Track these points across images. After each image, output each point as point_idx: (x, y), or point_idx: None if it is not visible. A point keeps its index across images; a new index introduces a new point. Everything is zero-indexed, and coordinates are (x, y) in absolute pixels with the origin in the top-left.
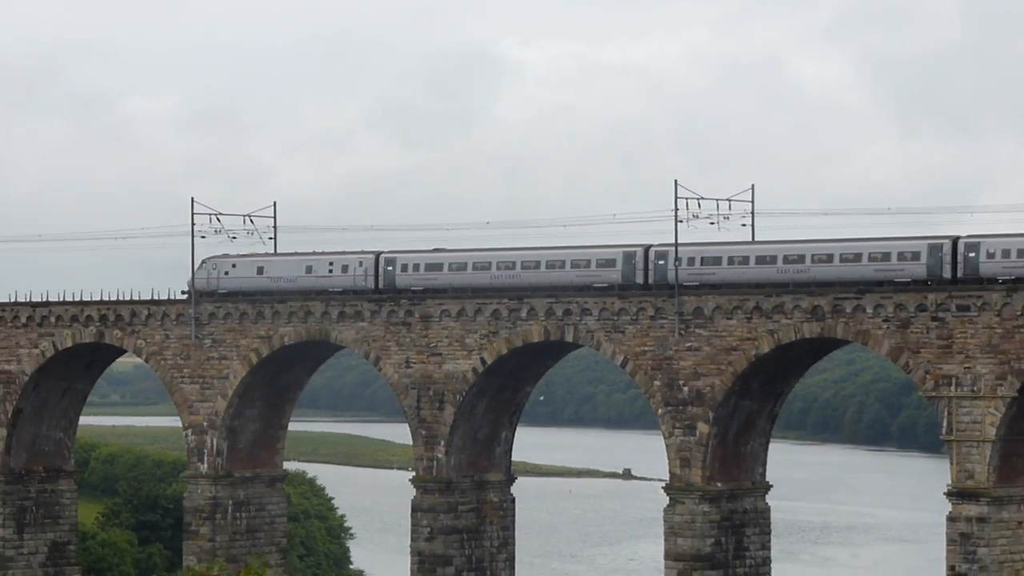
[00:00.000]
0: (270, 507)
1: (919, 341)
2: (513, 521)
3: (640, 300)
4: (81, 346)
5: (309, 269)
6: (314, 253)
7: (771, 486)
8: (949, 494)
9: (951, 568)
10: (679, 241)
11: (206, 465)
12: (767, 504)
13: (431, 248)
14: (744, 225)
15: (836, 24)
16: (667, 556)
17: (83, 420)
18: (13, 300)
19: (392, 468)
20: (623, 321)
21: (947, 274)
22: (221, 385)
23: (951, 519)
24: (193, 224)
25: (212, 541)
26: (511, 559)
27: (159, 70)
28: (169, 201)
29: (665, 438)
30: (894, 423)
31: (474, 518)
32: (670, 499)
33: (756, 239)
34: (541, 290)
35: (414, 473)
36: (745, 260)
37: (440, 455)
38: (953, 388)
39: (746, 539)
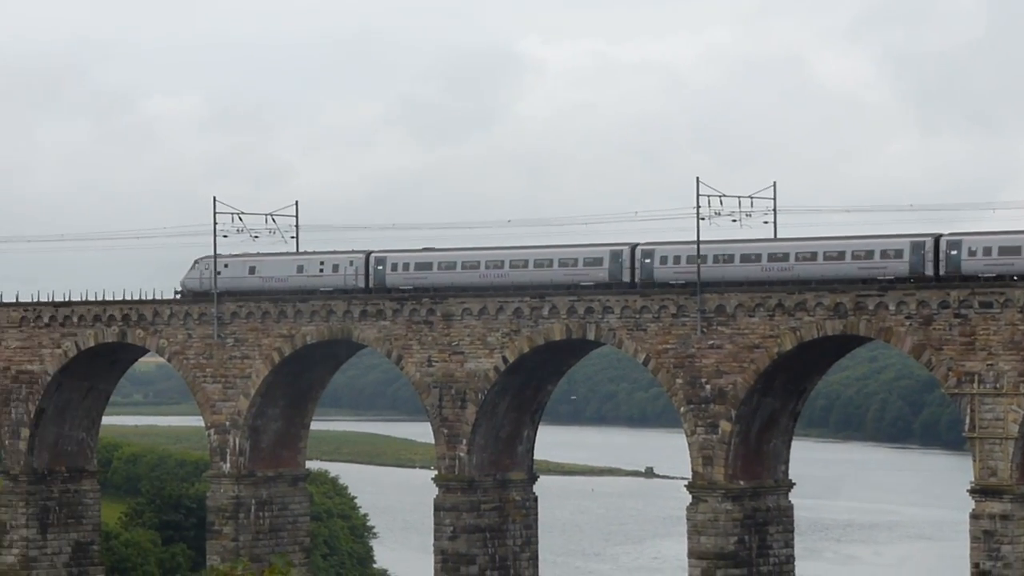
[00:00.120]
0: (293, 506)
1: (942, 338)
2: (536, 520)
3: (662, 298)
4: (104, 346)
5: (300, 269)
6: (304, 253)
7: (794, 484)
8: (972, 491)
9: (975, 566)
10: (679, 240)
11: (229, 464)
12: (790, 502)
13: (420, 248)
14: (766, 222)
15: (857, 21)
16: (690, 554)
17: (106, 420)
18: (35, 300)
19: (414, 467)
20: (645, 319)
21: (929, 272)
22: (244, 384)
23: (974, 516)
24: (215, 223)
25: (235, 540)
26: (534, 558)
27: (180, 70)
28: (191, 200)
29: (687, 436)
30: (917, 420)
31: (497, 517)
32: (693, 497)
33: (741, 239)
34: (529, 289)
35: (436, 472)
36: (730, 259)
37: (462, 454)
38: (976, 385)
39: (769, 537)
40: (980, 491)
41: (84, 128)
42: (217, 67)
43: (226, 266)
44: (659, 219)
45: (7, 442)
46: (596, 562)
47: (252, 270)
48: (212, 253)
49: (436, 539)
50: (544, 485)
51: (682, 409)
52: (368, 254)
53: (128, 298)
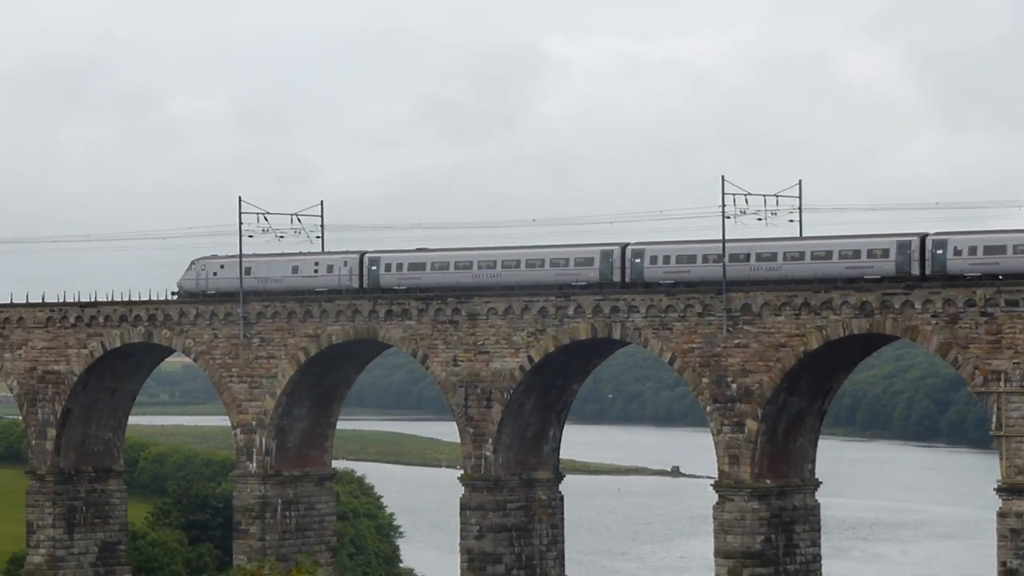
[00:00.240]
0: (319, 506)
1: (968, 336)
2: (562, 519)
3: (688, 297)
4: (130, 346)
5: (295, 269)
6: (300, 254)
7: (820, 483)
8: (999, 490)
9: (1002, 564)
10: (668, 240)
11: (255, 464)
12: (816, 501)
13: (415, 248)
14: (792, 221)
15: (882, 18)
16: (717, 553)
17: (132, 420)
18: (62, 300)
19: (440, 466)
20: (671, 318)
21: (915, 271)
22: (270, 384)
23: (1001, 515)
24: (241, 223)
25: (262, 540)
26: (561, 557)
27: (205, 69)
28: (216, 200)
29: (714, 435)
30: (943, 419)
31: (523, 516)
32: (719, 496)
33: (730, 239)
34: (521, 288)
35: (462, 471)
36: (719, 258)
37: (488, 453)
38: (1002, 383)
39: (796, 536)
40: (1007, 489)
41: (109, 128)
42: (242, 67)
43: (222, 267)
44: (684, 218)
45: (34, 442)
46: (622, 561)
47: (248, 271)
48: (211, 254)
49: (462, 538)
50: (570, 484)
51: (708, 408)
52: (362, 254)
53: (154, 298)
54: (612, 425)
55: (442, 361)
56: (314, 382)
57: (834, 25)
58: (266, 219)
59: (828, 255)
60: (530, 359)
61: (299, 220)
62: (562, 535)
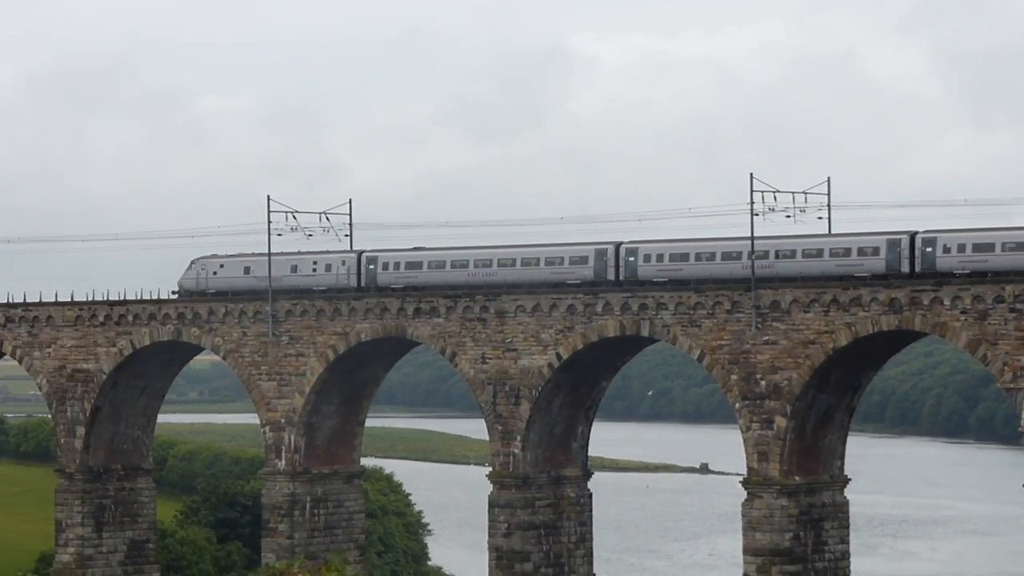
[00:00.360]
0: (348, 503)
1: (997, 332)
2: (590, 516)
3: (717, 294)
4: (159, 344)
5: (294, 268)
6: (298, 253)
7: (849, 479)
8: None
9: None
10: (662, 239)
11: (284, 462)
12: (845, 498)
13: (412, 247)
14: (820, 218)
15: (909, 16)
16: (746, 551)
17: (161, 418)
18: (91, 299)
19: (469, 464)
20: (699, 315)
21: (905, 269)
22: (298, 382)
23: None
24: (269, 222)
25: (291, 538)
26: (589, 554)
27: (233, 69)
28: (244, 199)
29: (743, 432)
30: (972, 415)
31: (551, 513)
32: (748, 493)
33: (721, 237)
34: (517, 287)
35: (491, 468)
36: (712, 256)
37: (516, 450)
38: None
39: (825, 533)
40: None
41: (137, 128)
42: (270, 66)
43: (222, 266)
44: (713, 215)
45: (63, 440)
46: (651, 559)
47: (247, 270)
48: (211, 253)
49: (490, 536)
50: (599, 482)
51: (737, 405)
52: (360, 253)
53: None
54: (641, 422)
55: (470, 358)
56: (343, 379)
57: (862, 23)
58: (295, 218)
59: (819, 253)
60: (558, 356)
61: (328, 219)
62: (590, 532)
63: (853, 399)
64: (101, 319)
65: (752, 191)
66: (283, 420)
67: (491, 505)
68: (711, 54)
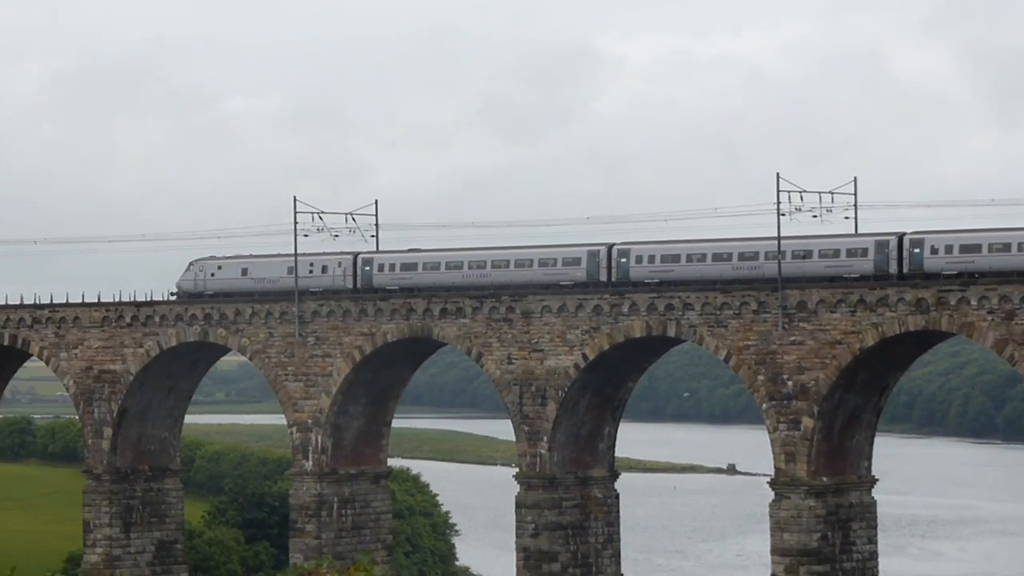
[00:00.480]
0: (375, 504)
1: None
2: (618, 517)
3: (743, 294)
4: (185, 345)
5: (290, 270)
6: (295, 254)
7: (877, 480)
8: None
9: None
10: (653, 240)
11: (311, 462)
12: (873, 498)
13: (407, 248)
14: (847, 218)
15: (935, 15)
16: (773, 551)
17: (188, 419)
18: (117, 300)
19: (496, 464)
20: (726, 315)
21: (893, 270)
22: (325, 383)
23: None
24: (296, 223)
25: (318, 539)
26: (616, 555)
27: (260, 69)
28: (271, 200)
29: (770, 433)
30: (999, 415)
31: (578, 514)
32: (776, 494)
33: (711, 238)
34: (511, 288)
35: (518, 469)
36: (703, 258)
37: (543, 451)
38: None
39: (852, 533)
40: None
41: (164, 128)
42: (296, 66)
43: (220, 268)
44: (739, 215)
45: (90, 441)
46: (678, 559)
47: (245, 272)
48: (209, 255)
49: (518, 536)
50: (626, 482)
51: (764, 405)
52: (356, 255)
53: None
54: (667, 423)
55: (497, 359)
56: (369, 380)
57: (888, 22)
58: (321, 218)
59: (808, 254)
60: (584, 357)
61: (354, 219)
62: (618, 533)
63: (880, 399)
64: (128, 320)
65: (779, 191)
66: (310, 421)
67: (518, 506)
68: (737, 53)
